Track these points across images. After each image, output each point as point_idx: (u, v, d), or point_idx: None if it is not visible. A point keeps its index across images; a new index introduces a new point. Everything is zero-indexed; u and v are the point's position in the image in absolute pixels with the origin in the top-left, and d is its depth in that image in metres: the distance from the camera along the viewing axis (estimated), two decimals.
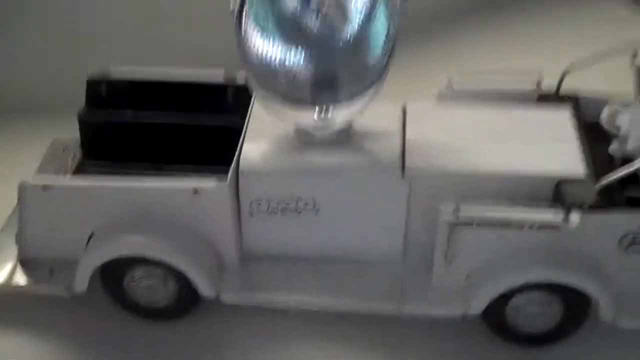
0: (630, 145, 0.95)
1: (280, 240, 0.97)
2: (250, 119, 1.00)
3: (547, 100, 1.05)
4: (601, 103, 1.02)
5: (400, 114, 1.00)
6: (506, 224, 0.88)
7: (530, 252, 0.89)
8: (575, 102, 1.04)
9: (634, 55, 1.01)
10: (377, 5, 0.84)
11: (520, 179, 0.91)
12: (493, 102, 1.04)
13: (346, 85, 0.87)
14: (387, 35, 0.85)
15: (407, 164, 0.93)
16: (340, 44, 0.85)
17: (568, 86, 1.07)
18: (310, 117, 0.92)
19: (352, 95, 0.88)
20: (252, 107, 1.02)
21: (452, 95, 1.06)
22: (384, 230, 0.96)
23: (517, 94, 1.05)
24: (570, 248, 0.89)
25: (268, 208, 0.95)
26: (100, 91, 1.11)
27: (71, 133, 1.13)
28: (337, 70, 0.87)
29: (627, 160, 0.92)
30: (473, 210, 0.87)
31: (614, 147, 0.96)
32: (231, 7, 0.86)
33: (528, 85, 1.06)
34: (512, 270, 0.89)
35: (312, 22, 0.84)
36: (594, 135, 0.98)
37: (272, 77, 0.86)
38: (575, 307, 0.91)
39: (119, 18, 1.41)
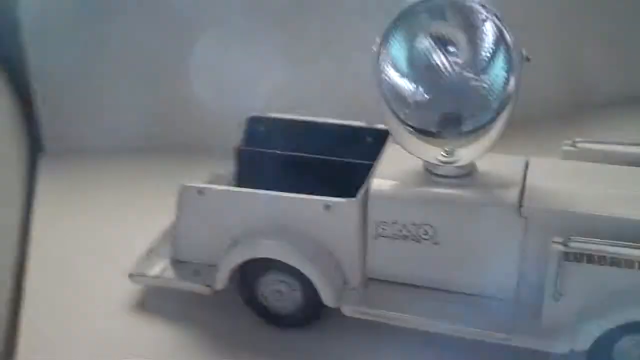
0: None
1: (400, 265, 1.06)
2: (384, 155, 1.12)
3: None
4: None
5: (524, 165, 1.08)
6: (616, 262, 0.92)
7: (638, 293, 0.92)
8: None
9: None
10: (498, 53, 0.95)
11: (637, 224, 0.95)
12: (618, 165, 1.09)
13: (469, 121, 0.97)
14: (505, 80, 0.95)
15: (524, 202, 0.99)
16: (466, 85, 0.96)
17: None
18: (437, 152, 1.03)
19: (474, 131, 0.97)
20: (386, 145, 1.13)
21: (577, 154, 1.12)
22: (500, 266, 1.02)
23: None
24: None
25: (392, 233, 1.04)
26: (258, 128, 1.26)
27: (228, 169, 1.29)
28: (461, 107, 0.97)
29: None
30: (584, 244, 0.92)
31: None
32: (373, 49, 0.99)
33: None
34: (618, 308, 0.92)
35: (442, 65, 0.96)
36: None
37: (404, 111, 0.98)
38: None
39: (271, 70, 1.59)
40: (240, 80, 1.55)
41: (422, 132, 0.99)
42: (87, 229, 1.35)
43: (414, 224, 1.03)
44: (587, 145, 1.13)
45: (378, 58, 0.97)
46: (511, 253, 1.01)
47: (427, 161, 1.06)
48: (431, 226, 1.03)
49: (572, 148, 1.13)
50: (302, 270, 1.03)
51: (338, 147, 1.22)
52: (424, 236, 1.03)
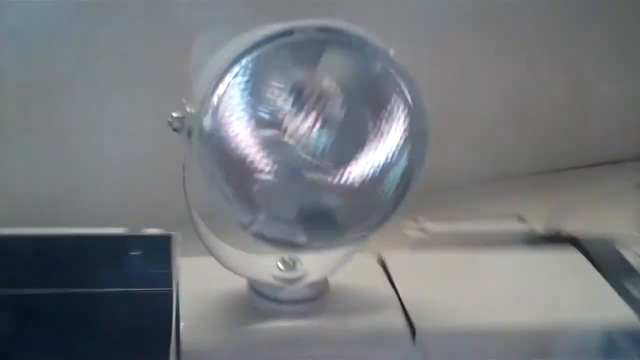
0: None
1: None
2: (180, 281, 0.71)
3: (546, 241, 0.86)
4: (606, 242, 0.85)
5: (379, 266, 0.76)
6: None
7: None
8: (576, 242, 0.86)
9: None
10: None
11: (562, 330, 0.70)
12: (477, 247, 0.83)
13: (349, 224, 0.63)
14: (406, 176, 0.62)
15: (416, 326, 0.68)
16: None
17: None
18: (270, 265, 0.68)
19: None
20: (172, 260, 0.73)
21: (428, 241, 0.84)
22: None
23: (505, 237, 0.86)
24: None
25: None
26: None
27: None
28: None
29: None
30: None
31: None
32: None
33: (516, 227, 0.88)
34: None
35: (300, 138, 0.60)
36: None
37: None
38: None
39: None
40: None
41: (278, 243, 0.61)
42: None
43: None
44: (441, 229, 0.85)
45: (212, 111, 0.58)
46: None
47: (261, 282, 0.68)
48: None
49: (420, 234, 0.85)
50: None
51: (88, 272, 0.78)
52: None
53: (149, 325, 0.67)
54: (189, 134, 0.59)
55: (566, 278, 0.78)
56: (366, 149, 0.60)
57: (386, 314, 0.70)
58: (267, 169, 0.58)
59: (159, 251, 0.77)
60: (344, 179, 0.60)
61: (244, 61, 0.56)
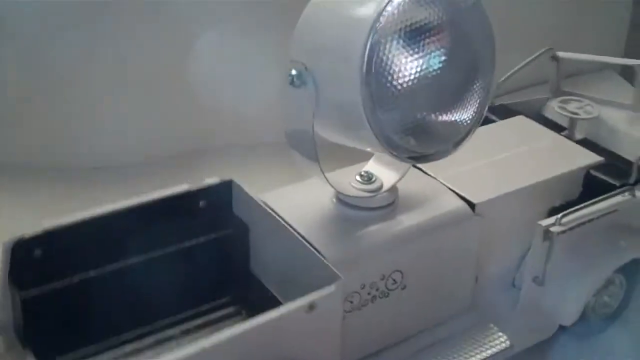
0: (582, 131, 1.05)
1: (372, 333, 0.83)
2: (280, 214, 0.82)
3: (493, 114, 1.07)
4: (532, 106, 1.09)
5: (417, 170, 0.92)
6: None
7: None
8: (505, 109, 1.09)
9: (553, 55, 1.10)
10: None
11: (561, 177, 0.93)
12: None
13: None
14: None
15: (471, 199, 0.86)
16: None
17: None
18: (351, 180, 0.84)
19: None
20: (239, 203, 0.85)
21: None
22: (459, 276, 0.88)
23: None
24: None
25: (359, 302, 0.80)
26: (35, 253, 0.79)
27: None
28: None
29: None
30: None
31: (566, 134, 1.04)
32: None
33: None
34: None
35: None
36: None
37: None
38: None
39: None
40: None
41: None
42: None
43: (381, 277, 0.80)
44: None
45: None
46: (471, 255, 0.88)
47: (352, 196, 0.83)
48: (399, 270, 0.82)
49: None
50: None
51: (162, 233, 0.85)
52: (391, 287, 0.82)
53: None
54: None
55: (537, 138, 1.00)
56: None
57: (443, 197, 0.87)
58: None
59: (224, 197, 0.87)
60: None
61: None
